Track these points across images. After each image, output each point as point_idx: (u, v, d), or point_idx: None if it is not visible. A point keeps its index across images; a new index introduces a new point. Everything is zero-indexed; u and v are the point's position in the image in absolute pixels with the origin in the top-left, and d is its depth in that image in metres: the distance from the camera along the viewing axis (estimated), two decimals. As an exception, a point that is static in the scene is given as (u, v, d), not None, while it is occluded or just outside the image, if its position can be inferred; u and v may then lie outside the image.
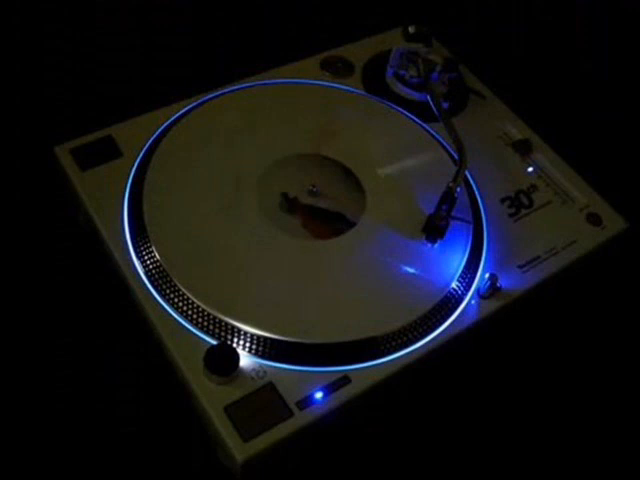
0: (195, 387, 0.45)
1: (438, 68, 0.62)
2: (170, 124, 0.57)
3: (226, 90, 0.61)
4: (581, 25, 0.69)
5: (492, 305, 0.51)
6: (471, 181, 0.58)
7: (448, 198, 0.52)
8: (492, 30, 0.67)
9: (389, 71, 0.63)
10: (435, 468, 0.51)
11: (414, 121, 0.61)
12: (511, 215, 0.57)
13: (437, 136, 0.60)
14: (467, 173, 0.57)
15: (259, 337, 0.46)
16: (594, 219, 0.57)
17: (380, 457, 0.50)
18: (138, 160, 0.55)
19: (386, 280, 0.51)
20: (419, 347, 0.48)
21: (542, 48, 0.77)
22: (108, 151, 0.55)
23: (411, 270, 0.51)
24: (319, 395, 0.45)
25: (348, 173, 0.56)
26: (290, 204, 0.53)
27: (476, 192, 0.57)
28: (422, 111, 0.61)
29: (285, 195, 0.54)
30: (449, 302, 0.51)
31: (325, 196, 0.54)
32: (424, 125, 0.61)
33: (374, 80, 0.64)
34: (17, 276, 0.55)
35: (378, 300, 0.50)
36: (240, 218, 0.52)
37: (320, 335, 0.47)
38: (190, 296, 0.48)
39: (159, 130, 0.57)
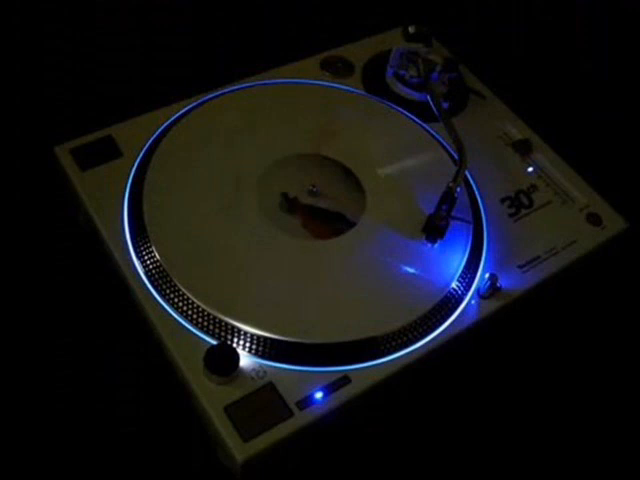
0: (195, 387, 0.45)
1: (438, 68, 0.62)
2: (170, 124, 0.57)
3: (226, 90, 0.61)
4: (581, 25, 0.69)
5: (492, 305, 0.51)
6: (471, 181, 0.58)
7: (448, 198, 0.52)
8: (492, 30, 0.67)
9: (389, 71, 0.63)
10: (435, 468, 0.51)
11: (414, 121, 0.61)
12: (511, 215, 0.57)
13: (437, 136, 0.60)
14: (467, 173, 0.57)
15: (259, 337, 0.46)
16: (594, 219, 0.57)
17: (380, 457, 0.50)
18: (138, 160, 0.55)
19: (386, 280, 0.51)
20: (419, 347, 0.48)
21: (542, 48, 0.77)
22: (108, 151, 0.55)
23: (411, 270, 0.51)
24: (319, 395, 0.45)
25: (348, 173, 0.56)
26: (290, 204, 0.53)
27: (476, 192, 0.57)
28: (422, 111, 0.61)
29: (285, 195, 0.54)
30: (449, 302, 0.51)
31: (325, 196, 0.54)
32: (424, 125, 0.61)
33: (374, 80, 0.64)
34: (17, 276, 0.55)
35: (378, 300, 0.50)
36: (240, 218, 0.52)
37: (320, 335, 0.47)
38: (190, 296, 0.48)
39: (159, 130, 0.57)
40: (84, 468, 0.47)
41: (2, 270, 0.55)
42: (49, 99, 0.65)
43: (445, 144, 0.60)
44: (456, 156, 0.56)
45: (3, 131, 0.62)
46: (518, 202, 0.57)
